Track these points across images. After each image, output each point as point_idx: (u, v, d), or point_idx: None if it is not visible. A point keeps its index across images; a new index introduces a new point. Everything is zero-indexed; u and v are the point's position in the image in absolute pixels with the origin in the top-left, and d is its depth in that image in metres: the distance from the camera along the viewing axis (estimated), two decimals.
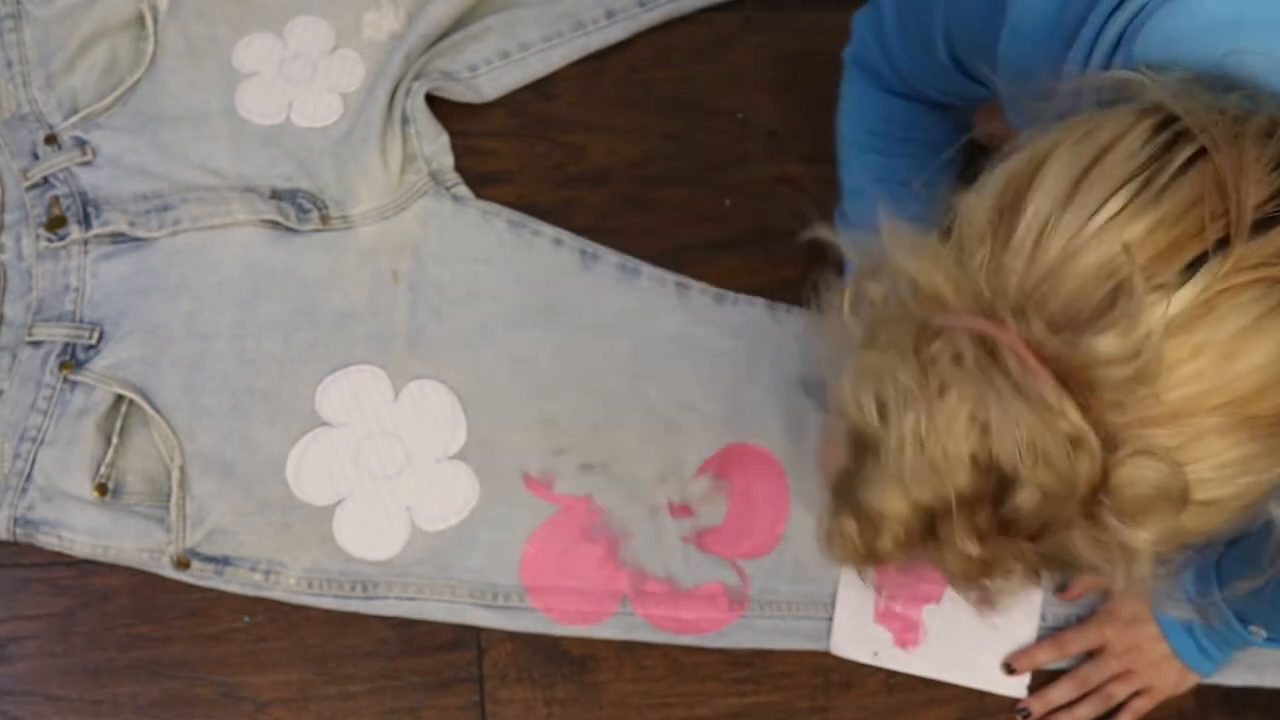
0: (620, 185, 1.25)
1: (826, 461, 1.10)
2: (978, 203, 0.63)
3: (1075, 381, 0.58)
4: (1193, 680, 1.12)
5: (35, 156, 1.20)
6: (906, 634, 1.16)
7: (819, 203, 1.24)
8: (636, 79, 1.27)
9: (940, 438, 0.59)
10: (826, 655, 1.15)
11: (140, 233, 1.18)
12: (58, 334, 1.16)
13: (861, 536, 0.63)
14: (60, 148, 1.20)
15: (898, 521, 0.62)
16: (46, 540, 1.12)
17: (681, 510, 1.16)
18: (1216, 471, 0.60)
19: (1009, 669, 1.15)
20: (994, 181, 0.64)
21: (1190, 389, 0.58)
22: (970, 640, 1.15)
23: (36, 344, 1.16)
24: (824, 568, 1.15)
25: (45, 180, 1.20)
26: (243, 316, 1.17)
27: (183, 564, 1.12)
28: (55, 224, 1.18)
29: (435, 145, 1.22)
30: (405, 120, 1.21)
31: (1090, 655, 1.14)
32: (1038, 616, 1.16)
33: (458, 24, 1.24)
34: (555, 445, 1.17)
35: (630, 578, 1.15)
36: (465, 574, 1.14)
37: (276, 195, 1.20)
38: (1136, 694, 1.13)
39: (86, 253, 1.19)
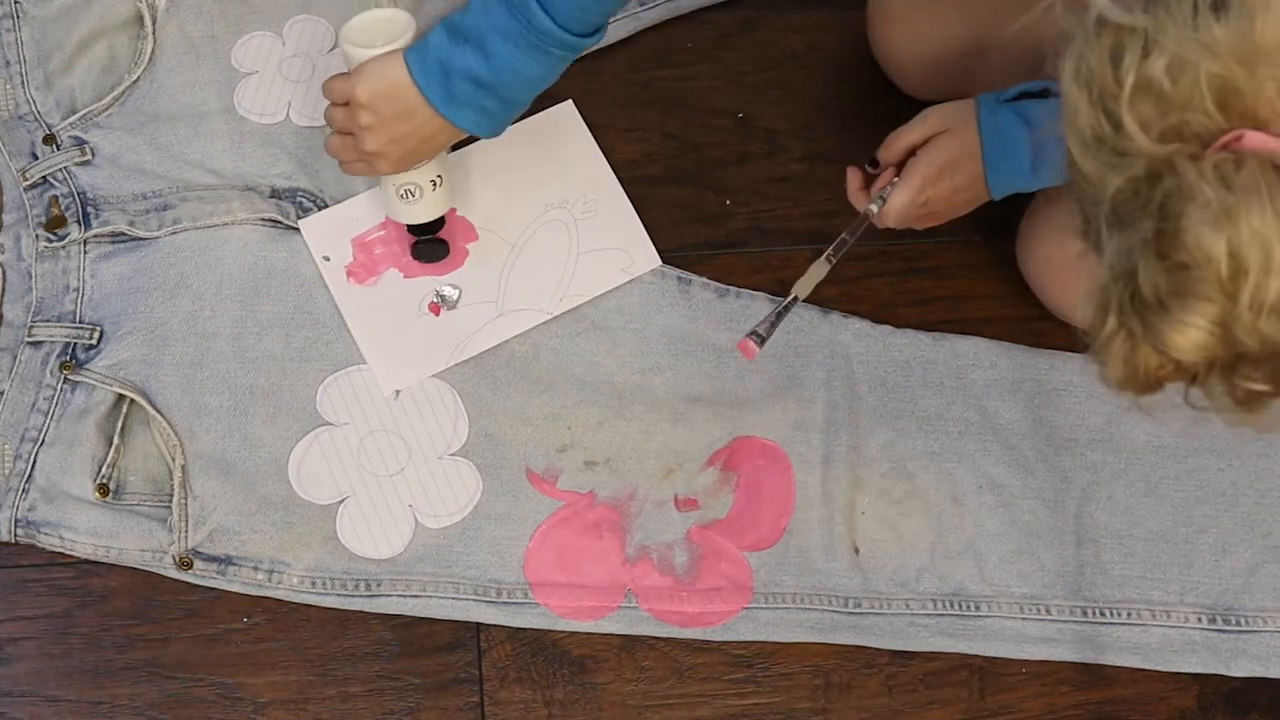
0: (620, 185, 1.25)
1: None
2: None
3: None
4: None
5: (34, 156, 1.20)
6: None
7: (818, 202, 1.25)
8: (636, 79, 1.28)
9: None
10: (827, 657, 1.15)
11: (140, 232, 1.18)
12: (58, 334, 1.16)
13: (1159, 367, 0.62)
14: (59, 147, 1.20)
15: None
16: (48, 541, 1.12)
17: (687, 503, 1.16)
18: None
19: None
20: None
21: None
22: None
23: (36, 344, 1.16)
24: (828, 559, 1.16)
25: (44, 180, 1.19)
26: (243, 315, 1.17)
27: (185, 564, 1.12)
28: (54, 224, 1.18)
29: None
30: None
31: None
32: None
33: None
34: (558, 441, 1.17)
35: (634, 572, 1.15)
36: (468, 570, 1.14)
37: (276, 194, 1.20)
38: None
39: (86, 253, 1.18)
